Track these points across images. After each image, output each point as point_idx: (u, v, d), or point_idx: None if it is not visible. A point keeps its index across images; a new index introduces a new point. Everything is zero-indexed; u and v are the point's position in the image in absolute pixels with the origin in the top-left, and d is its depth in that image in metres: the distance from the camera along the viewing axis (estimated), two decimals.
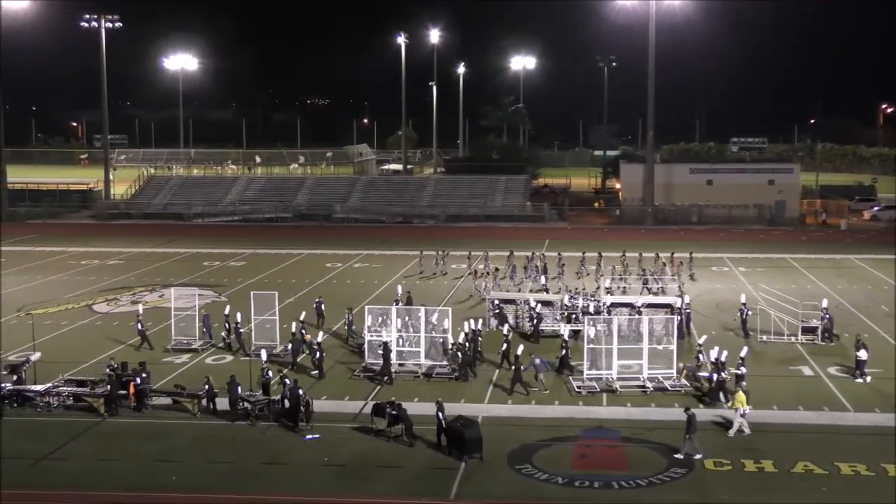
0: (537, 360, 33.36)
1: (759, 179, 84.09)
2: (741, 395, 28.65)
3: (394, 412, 28.06)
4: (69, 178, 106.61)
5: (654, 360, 33.67)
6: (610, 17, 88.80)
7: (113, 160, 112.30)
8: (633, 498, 24.38)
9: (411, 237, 71.22)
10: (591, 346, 33.81)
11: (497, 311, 41.30)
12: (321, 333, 36.78)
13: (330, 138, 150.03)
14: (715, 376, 31.45)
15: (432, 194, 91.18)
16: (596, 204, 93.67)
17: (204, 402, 30.42)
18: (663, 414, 30.00)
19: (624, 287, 48.44)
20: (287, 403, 29.17)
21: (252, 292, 40.59)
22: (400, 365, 35.00)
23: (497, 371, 34.60)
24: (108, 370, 31.76)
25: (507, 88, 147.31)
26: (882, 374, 34.26)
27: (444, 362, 34.90)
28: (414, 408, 29.20)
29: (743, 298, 41.61)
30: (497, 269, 50.22)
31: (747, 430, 28.22)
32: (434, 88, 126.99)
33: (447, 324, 35.84)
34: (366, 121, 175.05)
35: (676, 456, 26.45)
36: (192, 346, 38.16)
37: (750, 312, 40.38)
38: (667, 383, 32.80)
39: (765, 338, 39.21)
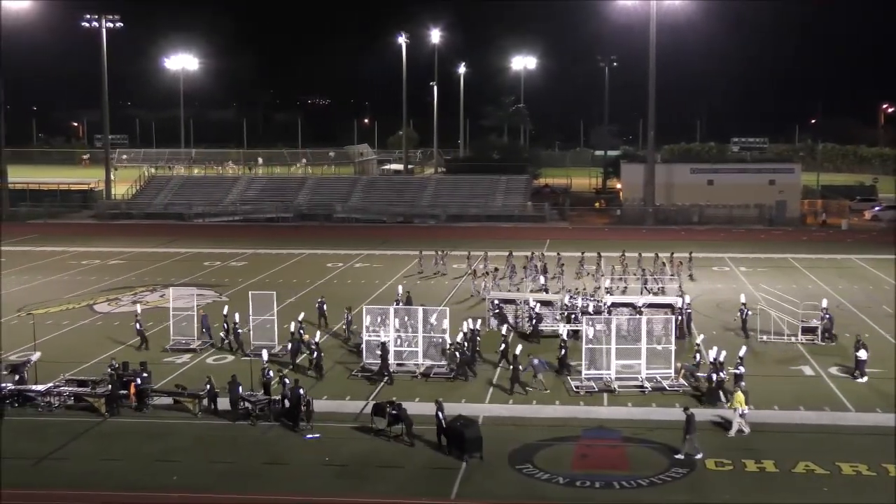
0: (536, 361, 33.36)
1: (760, 179, 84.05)
2: (740, 395, 28.66)
3: (394, 412, 28.07)
4: (70, 178, 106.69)
5: (653, 360, 33.67)
6: (611, 17, 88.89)
7: (114, 160, 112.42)
8: (635, 498, 24.38)
9: (412, 237, 71.22)
10: (590, 346, 33.81)
11: (497, 311, 41.31)
12: (319, 333, 36.74)
13: (331, 138, 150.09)
14: (714, 376, 31.46)
15: (433, 194, 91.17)
16: (597, 204, 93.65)
17: (205, 401, 30.44)
18: (664, 414, 30.00)
19: (623, 287, 48.44)
20: (287, 403, 29.19)
21: (251, 292, 40.62)
22: (399, 365, 35.00)
23: (498, 371, 34.59)
24: (109, 370, 31.76)
25: (508, 88, 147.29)
26: (883, 373, 34.26)
27: (443, 362, 34.91)
28: (414, 408, 29.20)
29: (743, 298, 41.61)
30: (496, 269, 50.22)
31: (747, 430, 28.22)
32: (435, 88, 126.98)
33: (446, 324, 35.87)
34: (367, 121, 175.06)
35: (677, 456, 26.45)
36: (191, 347, 38.18)
37: (750, 312, 40.37)
38: (665, 383, 32.81)
39: (765, 338, 39.21)
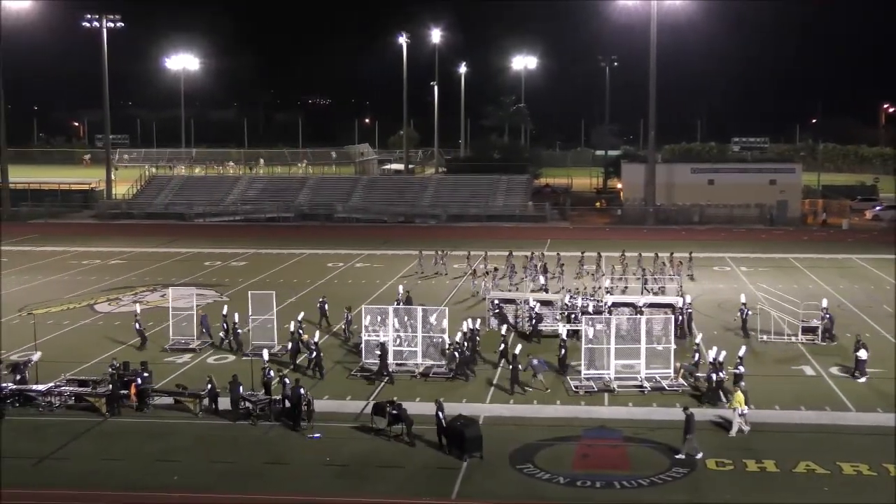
0: (535, 361, 33.36)
1: (761, 179, 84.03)
2: (740, 395, 28.66)
3: (394, 412, 28.07)
4: (71, 177, 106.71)
5: (654, 360, 33.66)
6: (611, 17, 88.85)
7: (115, 160, 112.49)
8: (635, 498, 24.38)
9: (413, 237, 71.22)
10: (589, 345, 33.81)
11: (497, 310, 41.32)
12: (318, 333, 36.74)
13: (331, 138, 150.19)
14: (714, 376, 31.45)
15: (434, 194, 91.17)
16: (597, 204, 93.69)
17: (206, 401, 30.44)
18: (665, 414, 29.99)
19: (624, 287, 48.43)
20: (287, 403, 29.20)
21: (250, 292, 40.62)
22: (400, 365, 35.00)
23: (498, 371, 34.59)
24: (110, 370, 31.77)
25: (509, 88, 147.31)
26: (883, 373, 34.26)
27: (442, 362, 34.93)
28: (414, 408, 29.21)
29: (743, 298, 41.60)
30: (496, 269, 50.22)
31: (746, 429, 28.22)
32: (435, 88, 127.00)
33: (445, 324, 35.89)
34: (367, 120, 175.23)
35: (678, 456, 26.45)
36: (190, 347, 38.19)
37: (750, 312, 40.36)
38: (664, 383, 32.81)
39: (765, 338, 39.20)
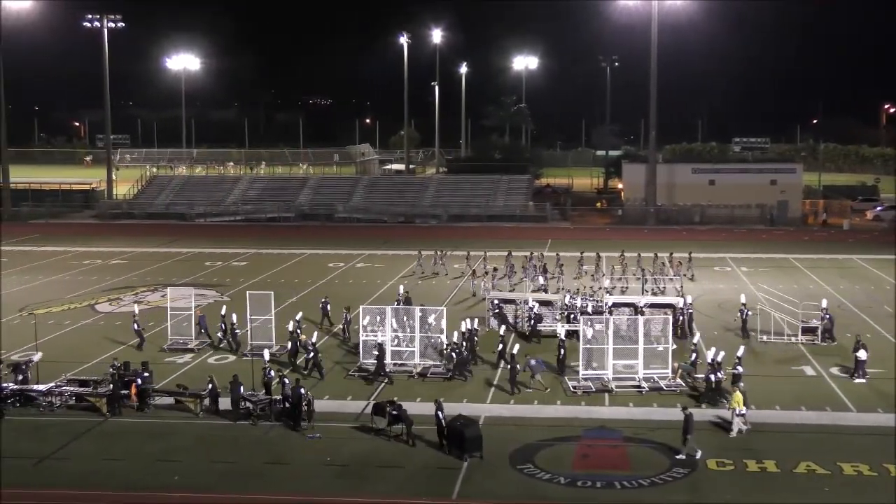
0: (533, 361, 33.36)
1: (762, 179, 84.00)
2: (738, 395, 28.67)
3: (394, 412, 28.08)
4: (72, 177, 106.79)
5: (653, 360, 33.65)
6: (612, 17, 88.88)
7: (116, 160, 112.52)
8: (636, 498, 24.38)
9: (413, 237, 71.22)
10: (588, 346, 33.80)
11: (497, 311, 41.32)
12: (316, 333, 36.73)
13: (332, 138, 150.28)
14: (712, 376, 31.44)
15: (434, 194, 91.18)
16: (598, 204, 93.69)
17: (206, 401, 30.46)
18: (665, 414, 29.98)
19: (624, 287, 48.41)
20: (287, 403, 29.22)
21: (248, 292, 40.62)
22: (400, 365, 35.00)
23: (499, 371, 34.59)
24: (111, 370, 31.78)
25: (510, 88, 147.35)
26: (884, 374, 34.25)
27: (440, 362, 34.92)
28: (415, 408, 29.22)
29: (743, 299, 41.58)
30: (495, 269, 50.22)
31: (745, 428, 28.22)
32: (436, 88, 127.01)
33: (444, 324, 35.89)
34: (368, 121, 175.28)
35: (678, 457, 26.45)
36: (189, 347, 38.21)
37: (750, 313, 40.34)
38: (662, 383, 32.81)
39: (765, 338, 39.20)
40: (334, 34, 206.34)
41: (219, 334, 38.66)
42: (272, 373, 31.39)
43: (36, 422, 29.93)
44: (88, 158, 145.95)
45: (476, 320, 37.95)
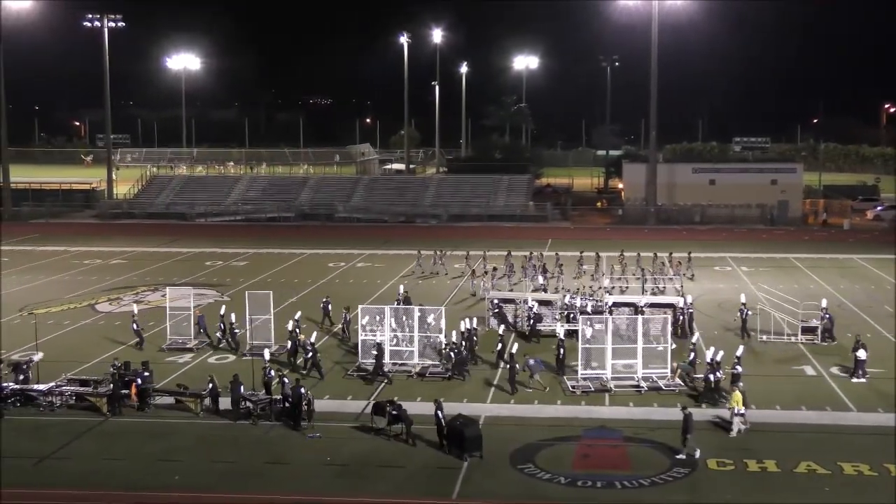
0: (531, 361, 33.37)
1: (762, 179, 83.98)
2: (737, 395, 28.67)
3: (394, 411, 28.08)
4: (72, 177, 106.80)
5: (653, 359, 33.63)
6: (613, 16, 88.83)
7: (116, 160, 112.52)
8: (636, 498, 24.38)
9: (414, 237, 71.19)
10: (586, 345, 33.80)
11: (496, 310, 41.32)
12: (315, 333, 36.72)
13: (332, 138, 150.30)
14: (711, 376, 31.43)
15: (435, 194, 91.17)
16: (599, 204, 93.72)
17: (206, 401, 30.46)
18: (666, 414, 29.96)
19: (624, 287, 48.38)
20: (287, 402, 29.22)
21: (247, 292, 40.60)
22: (400, 365, 34.99)
23: (498, 371, 34.58)
24: (112, 369, 31.79)
25: (510, 88, 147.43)
26: (884, 373, 34.24)
27: (438, 362, 34.91)
28: (415, 407, 29.22)
29: (743, 298, 41.55)
30: (495, 269, 50.22)
31: (744, 428, 28.21)
32: (437, 88, 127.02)
33: (443, 324, 35.89)
34: (368, 120, 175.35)
35: (679, 457, 26.44)
36: (187, 346, 38.22)
37: (750, 313, 40.32)
38: (661, 383, 32.80)
39: (765, 338, 39.19)
40: (334, 34, 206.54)
41: (217, 334, 38.67)
42: (272, 372, 31.39)
43: (36, 421, 29.93)
44: (89, 158, 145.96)
45: (475, 319, 37.95)
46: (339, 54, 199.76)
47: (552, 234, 72.90)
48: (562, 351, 34.50)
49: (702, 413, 29.49)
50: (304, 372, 34.31)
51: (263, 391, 30.80)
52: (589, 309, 39.45)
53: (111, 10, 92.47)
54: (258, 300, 38.82)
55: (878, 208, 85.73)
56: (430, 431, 27.74)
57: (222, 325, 38.44)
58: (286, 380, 30.42)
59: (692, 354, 34.14)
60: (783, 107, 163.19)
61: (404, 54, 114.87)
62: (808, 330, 39.03)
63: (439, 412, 27.41)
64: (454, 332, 35.57)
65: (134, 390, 30.84)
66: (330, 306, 42.23)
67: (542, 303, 41.01)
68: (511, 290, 46.61)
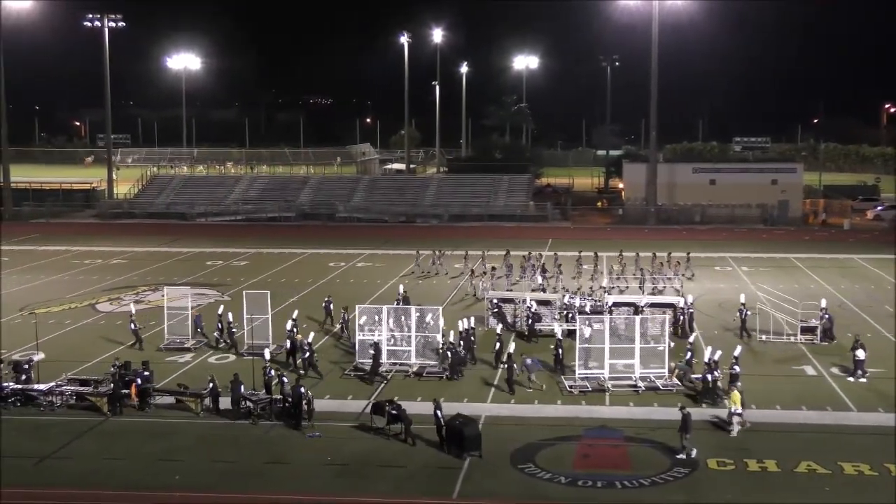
0: (529, 361, 33.37)
1: (763, 179, 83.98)
2: (736, 395, 28.68)
3: (393, 411, 28.09)
4: (72, 177, 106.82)
5: (652, 359, 33.62)
6: (613, 16, 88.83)
7: (117, 160, 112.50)
8: (636, 498, 24.38)
9: (414, 237, 71.19)
10: (584, 345, 33.80)
11: (496, 310, 41.33)
12: (312, 334, 36.72)
13: (333, 138, 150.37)
14: (709, 376, 31.43)
15: (435, 194, 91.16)
16: (599, 203, 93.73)
17: (207, 401, 30.46)
18: (666, 414, 29.93)
19: (620, 287, 48.31)
20: (287, 402, 29.23)
21: (245, 292, 40.57)
22: (401, 365, 34.99)
23: (498, 371, 34.58)
24: (112, 369, 31.80)
25: (510, 88, 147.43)
26: (884, 373, 34.23)
27: (436, 361, 34.93)
28: (415, 407, 29.23)
29: (742, 298, 41.55)
30: (494, 269, 50.22)
31: (740, 428, 28.20)
32: (437, 88, 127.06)
33: (441, 323, 35.89)
34: (369, 120, 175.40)
35: (679, 457, 26.44)
36: (185, 346, 38.23)
37: (749, 313, 40.34)
38: (659, 382, 32.80)
39: (764, 338, 39.19)
40: (334, 34, 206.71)
41: (215, 334, 38.67)
42: (272, 372, 31.40)
43: (37, 421, 29.94)
44: (89, 159, 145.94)
45: (473, 319, 37.94)
46: (339, 54, 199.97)
47: (552, 234, 72.91)
48: (560, 351, 34.51)
49: (701, 413, 29.51)
50: (303, 372, 34.33)
51: (264, 391, 30.81)
52: (588, 309, 39.46)
53: (111, 10, 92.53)
54: (256, 300, 38.82)
55: (879, 208, 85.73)
56: (429, 431, 27.75)
57: (220, 325, 38.44)
58: (285, 379, 30.43)
59: (689, 354, 34.16)
60: (783, 107, 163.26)
61: (405, 54, 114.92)
62: (807, 330, 39.03)
63: (438, 412, 27.42)
64: (452, 332, 35.57)
65: (134, 390, 30.86)
66: (332, 306, 42.23)
67: (541, 303, 41.02)
68: (510, 290, 46.63)
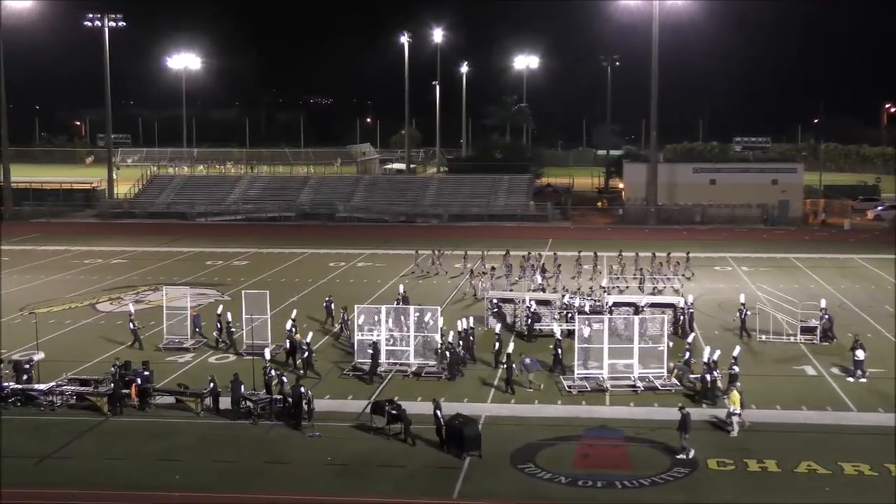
0: (527, 360, 33.37)
1: (763, 179, 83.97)
2: (735, 395, 28.67)
3: (393, 411, 28.09)
4: (73, 177, 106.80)
5: (652, 359, 33.62)
6: (613, 16, 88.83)
7: (117, 160, 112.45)
8: (636, 497, 24.38)
9: (414, 237, 71.17)
10: (583, 345, 33.79)
11: (495, 310, 41.32)
12: (311, 334, 36.73)
13: (333, 138, 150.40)
14: (708, 376, 31.42)
15: (435, 194, 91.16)
16: (599, 203, 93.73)
17: (207, 401, 30.47)
18: (666, 414, 29.91)
19: (620, 287, 48.30)
20: (287, 402, 29.23)
21: (244, 292, 40.59)
22: (401, 365, 34.98)
23: (498, 370, 34.58)
24: (113, 369, 31.80)
25: (511, 88, 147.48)
26: (884, 373, 34.23)
27: (434, 361, 34.93)
28: (415, 407, 29.23)
29: (742, 298, 41.55)
30: (493, 269, 50.21)
31: (742, 427, 28.21)
32: (437, 88, 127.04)
33: (440, 323, 35.89)
34: (369, 120, 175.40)
35: (678, 457, 26.44)
36: (184, 346, 38.23)
37: (749, 313, 40.33)
38: (657, 382, 32.80)
39: (764, 338, 39.19)
40: (334, 34, 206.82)
41: (214, 333, 38.66)
42: (273, 372, 31.40)
43: (37, 421, 29.94)
44: (90, 159, 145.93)
45: (472, 319, 37.93)
46: (340, 54, 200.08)
47: (553, 234, 72.90)
48: (559, 350, 34.51)
49: (701, 413, 29.51)
50: (302, 371, 34.34)
51: (264, 391, 30.81)
52: (587, 309, 39.46)
53: (112, 9, 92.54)
54: (255, 300, 38.82)
55: (879, 208, 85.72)
56: (429, 431, 27.75)
57: (219, 325, 38.44)
58: (285, 379, 30.44)
59: (687, 354, 34.16)
60: (784, 107, 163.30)
61: (405, 54, 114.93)
62: (807, 330, 39.03)
63: (438, 411, 27.43)
64: (451, 332, 35.57)
65: (134, 390, 30.86)
66: (333, 305, 42.24)
67: (540, 302, 41.01)
68: (510, 290, 46.62)
